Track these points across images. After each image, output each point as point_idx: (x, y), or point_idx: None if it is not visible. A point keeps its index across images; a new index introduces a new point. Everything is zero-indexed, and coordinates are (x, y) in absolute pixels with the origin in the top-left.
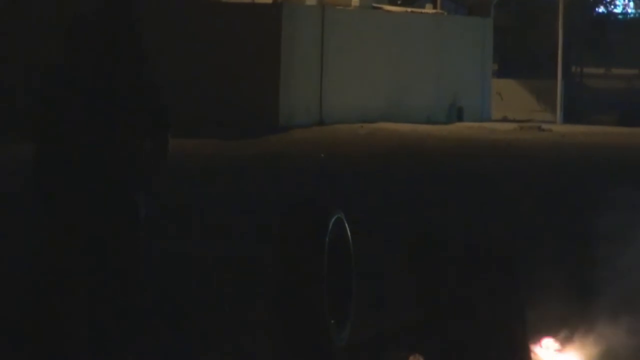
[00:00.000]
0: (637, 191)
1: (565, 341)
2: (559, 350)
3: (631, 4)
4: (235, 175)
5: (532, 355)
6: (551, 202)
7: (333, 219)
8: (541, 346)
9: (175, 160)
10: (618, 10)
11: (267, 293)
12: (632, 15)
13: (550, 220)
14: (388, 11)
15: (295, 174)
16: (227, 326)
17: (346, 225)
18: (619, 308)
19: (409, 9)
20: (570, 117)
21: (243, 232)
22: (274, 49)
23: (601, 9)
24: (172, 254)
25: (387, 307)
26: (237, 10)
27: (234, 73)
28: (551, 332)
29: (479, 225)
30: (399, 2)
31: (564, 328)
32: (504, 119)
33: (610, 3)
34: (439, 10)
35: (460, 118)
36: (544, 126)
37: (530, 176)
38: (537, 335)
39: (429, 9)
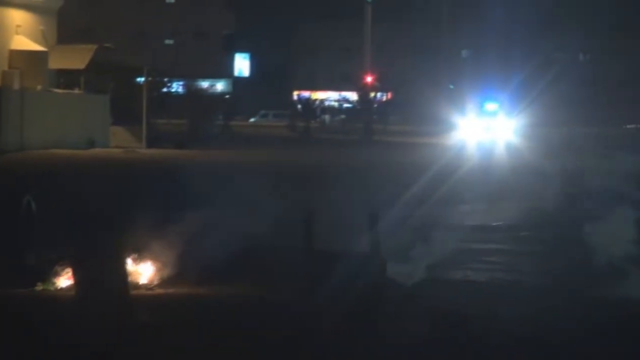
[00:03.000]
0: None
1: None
2: (136, 260)
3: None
4: None
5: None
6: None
7: (26, 200)
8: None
9: None
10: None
11: None
12: (179, 92)
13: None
14: (56, 92)
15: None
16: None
17: (32, 202)
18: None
19: (68, 91)
20: (151, 144)
21: None
22: None
23: (165, 89)
24: None
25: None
26: None
27: None
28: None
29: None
30: (60, 86)
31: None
32: (116, 147)
33: (169, 86)
34: (82, 92)
35: (93, 146)
36: (137, 150)
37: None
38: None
39: (77, 91)
